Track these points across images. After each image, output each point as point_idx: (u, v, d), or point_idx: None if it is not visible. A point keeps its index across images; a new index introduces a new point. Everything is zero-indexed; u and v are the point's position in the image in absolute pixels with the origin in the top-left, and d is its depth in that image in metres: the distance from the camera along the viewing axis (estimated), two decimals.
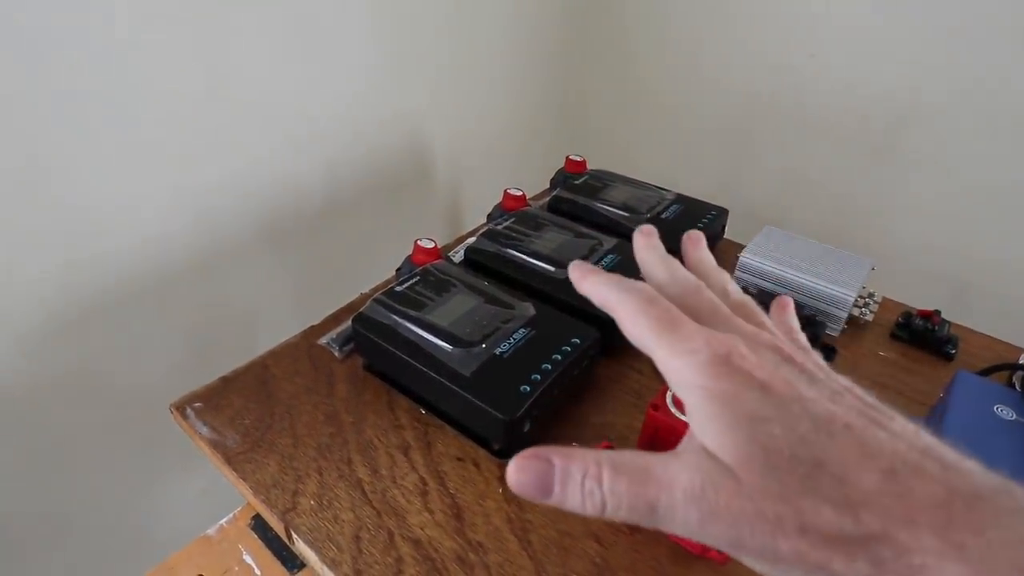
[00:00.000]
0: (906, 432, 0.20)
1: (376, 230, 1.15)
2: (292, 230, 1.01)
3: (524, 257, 0.74)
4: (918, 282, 1.16)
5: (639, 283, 0.25)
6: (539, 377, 0.58)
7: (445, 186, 1.27)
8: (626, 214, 0.84)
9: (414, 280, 0.69)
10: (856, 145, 1.17)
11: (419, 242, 0.77)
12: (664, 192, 0.90)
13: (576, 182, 0.91)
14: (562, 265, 0.72)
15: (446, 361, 0.59)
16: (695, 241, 0.30)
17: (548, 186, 1.01)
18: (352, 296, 0.82)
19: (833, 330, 0.75)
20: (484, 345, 0.60)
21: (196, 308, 0.93)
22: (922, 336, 0.74)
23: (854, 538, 0.18)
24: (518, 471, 0.22)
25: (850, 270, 0.76)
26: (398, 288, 0.68)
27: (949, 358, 0.73)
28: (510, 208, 0.88)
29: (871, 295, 0.79)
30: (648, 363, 0.64)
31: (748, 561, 0.20)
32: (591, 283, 0.26)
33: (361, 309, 0.66)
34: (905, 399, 0.67)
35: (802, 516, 0.18)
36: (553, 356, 0.60)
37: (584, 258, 0.74)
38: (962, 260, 1.13)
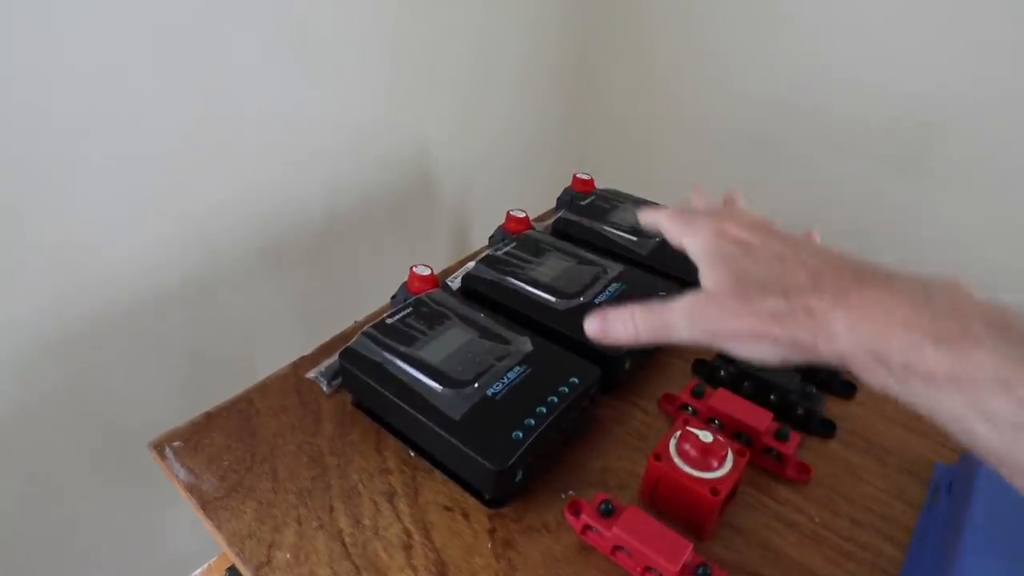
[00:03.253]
0: (836, 255, 0.30)
1: (380, 252, 1.12)
2: (294, 252, 0.98)
3: (523, 286, 0.70)
4: None
5: (676, 206, 0.39)
6: (534, 422, 0.54)
7: (450, 206, 1.24)
8: (634, 237, 0.80)
9: (406, 312, 0.66)
10: (880, 158, 1.12)
11: (415, 269, 0.74)
12: None
13: (582, 203, 0.87)
14: (563, 295, 0.69)
15: (435, 403, 0.55)
16: (708, 197, 0.46)
17: (555, 205, 0.97)
18: (351, 320, 0.79)
19: (822, 398, 0.69)
20: (476, 384, 0.57)
21: (194, 333, 0.91)
22: None
23: (785, 311, 0.27)
24: (590, 326, 0.34)
25: None
26: (389, 320, 0.65)
27: None
28: (512, 231, 0.84)
29: None
30: (652, 401, 0.57)
31: (724, 345, 0.30)
32: (647, 218, 0.40)
33: (349, 343, 0.63)
34: (930, 442, 0.62)
35: (754, 305, 0.28)
36: (550, 398, 0.56)
37: (587, 287, 0.70)
38: (996, 277, 1.07)
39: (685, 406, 0.62)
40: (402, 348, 0.61)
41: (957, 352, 0.22)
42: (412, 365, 0.59)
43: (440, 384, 0.57)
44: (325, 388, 0.66)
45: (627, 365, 0.65)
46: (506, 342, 0.62)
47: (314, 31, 0.87)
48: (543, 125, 1.41)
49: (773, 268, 0.29)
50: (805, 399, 0.63)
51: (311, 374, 0.67)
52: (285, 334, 1.02)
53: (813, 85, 1.14)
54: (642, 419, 0.64)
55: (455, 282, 0.79)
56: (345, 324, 0.79)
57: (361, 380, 0.60)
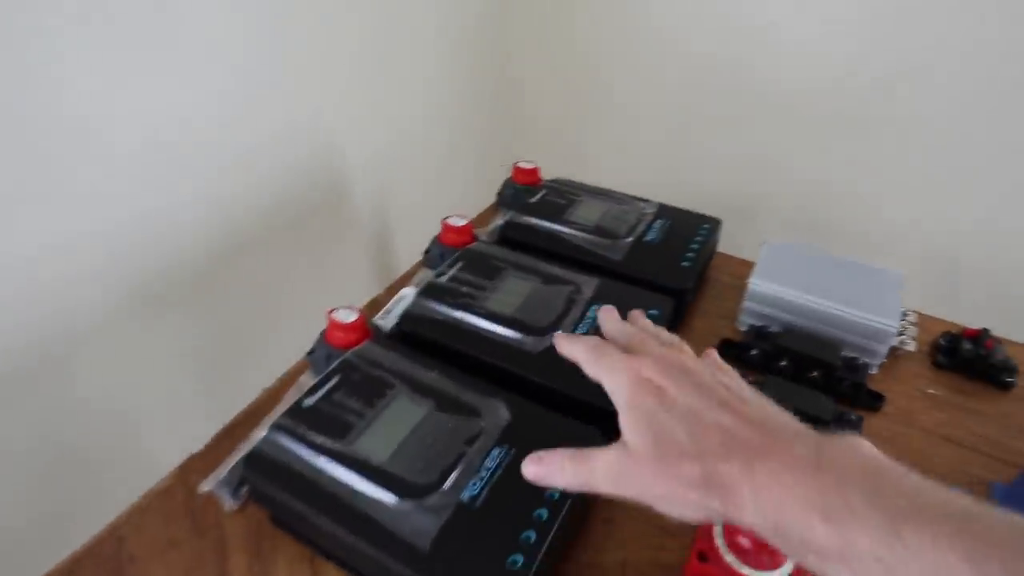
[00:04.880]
0: (743, 411, 0.31)
1: (288, 282, 0.92)
2: (174, 292, 0.76)
3: (480, 323, 0.55)
4: (915, 268, 1.04)
5: (591, 337, 0.38)
6: (535, 536, 0.39)
7: (370, 218, 1.04)
8: (602, 239, 0.66)
9: (331, 384, 0.48)
10: (829, 118, 1.03)
11: (334, 315, 0.56)
12: (643, 204, 0.72)
13: (531, 200, 0.72)
14: (533, 330, 0.53)
15: (391, 525, 0.39)
16: (615, 314, 0.41)
17: (496, 200, 0.81)
18: (256, 386, 0.60)
19: (870, 366, 0.60)
20: (445, 487, 0.41)
21: (47, 423, 0.68)
22: (971, 363, 0.60)
23: (700, 478, 0.28)
24: (528, 469, 0.35)
25: (882, 289, 0.61)
26: (308, 400, 0.47)
27: (1007, 387, 0.59)
28: (452, 244, 0.67)
29: (905, 315, 0.64)
30: None
31: (651, 505, 0.30)
32: (564, 349, 0.38)
33: (256, 444, 0.45)
34: (981, 457, 0.53)
35: (672, 469, 0.29)
36: (548, 492, 0.41)
37: (562, 315, 0.55)
38: (956, 235, 1.02)
39: None
40: (332, 442, 0.44)
41: (841, 530, 0.24)
42: (350, 467, 0.42)
43: (394, 493, 0.41)
44: (229, 502, 0.48)
45: None
46: (474, 413, 0.46)
47: (180, 14, 0.65)
48: (467, 110, 1.23)
49: (690, 427, 0.30)
50: (841, 426, 0.52)
51: (206, 485, 0.49)
52: (170, 411, 0.81)
53: (750, 49, 1.03)
54: None
55: (388, 320, 0.62)
56: (249, 388, 0.61)
57: (278, 499, 0.43)
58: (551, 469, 0.34)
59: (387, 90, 1.00)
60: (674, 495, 0.29)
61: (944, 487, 0.25)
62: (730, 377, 0.35)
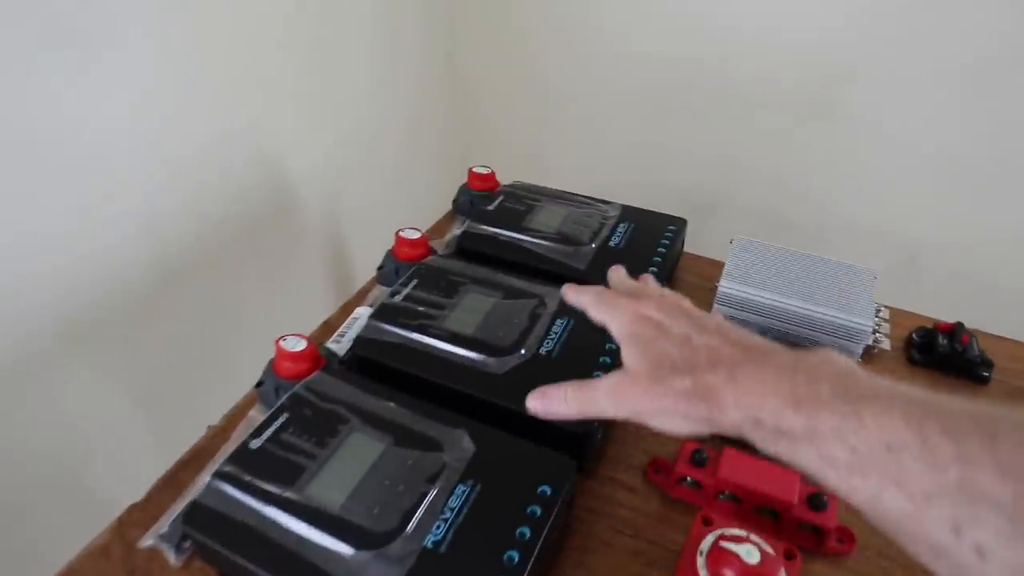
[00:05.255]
0: (732, 336, 0.34)
1: (233, 305, 0.86)
2: (108, 324, 0.71)
3: (439, 345, 0.51)
4: (878, 260, 1.05)
5: (597, 287, 0.41)
6: None
7: (318, 231, 0.99)
8: (565, 247, 0.63)
9: (278, 423, 0.45)
10: (790, 112, 1.03)
11: (282, 343, 0.52)
12: (605, 207, 0.69)
13: (488, 207, 0.68)
14: (497, 350, 0.50)
15: None
16: (623, 271, 0.46)
17: (451, 210, 0.77)
18: (206, 417, 0.56)
19: None
20: (407, 533, 0.38)
21: None
22: (948, 359, 0.59)
23: (691, 388, 0.31)
24: (532, 403, 0.37)
25: (855, 287, 0.59)
26: (253, 443, 0.43)
27: (984, 382, 0.58)
28: (406, 259, 0.64)
29: (877, 311, 0.63)
30: (636, 472, 0.49)
31: (644, 420, 0.33)
32: (572, 298, 0.42)
33: (195, 496, 0.41)
34: None
35: (667, 385, 0.32)
36: (519, 529, 0.38)
37: (526, 331, 0.52)
38: (919, 230, 1.02)
39: (684, 478, 0.47)
40: (280, 489, 0.40)
41: (809, 414, 0.27)
42: (301, 516, 0.39)
43: (351, 543, 0.37)
44: (173, 559, 0.44)
45: (599, 436, 0.48)
46: (435, 446, 0.43)
47: (87, 8, 0.60)
48: (417, 113, 1.18)
49: (682, 349, 0.34)
50: None
51: (147, 540, 0.45)
52: (115, 449, 0.75)
53: (704, 45, 1.02)
54: (629, 502, 0.48)
55: (342, 344, 0.58)
56: (199, 419, 0.56)
57: (223, 555, 0.39)
58: (554, 402, 0.36)
59: (328, 93, 0.95)
60: (667, 407, 0.32)
61: (912, 387, 0.27)
62: (724, 319, 0.37)
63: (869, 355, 0.60)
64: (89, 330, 0.69)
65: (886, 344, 0.60)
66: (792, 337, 0.58)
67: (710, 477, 0.46)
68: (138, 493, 0.51)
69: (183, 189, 0.75)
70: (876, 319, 0.62)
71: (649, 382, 0.33)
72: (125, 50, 0.65)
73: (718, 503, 0.46)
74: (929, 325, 0.61)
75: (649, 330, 0.35)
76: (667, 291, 0.41)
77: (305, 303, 0.98)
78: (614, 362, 0.51)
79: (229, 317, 0.86)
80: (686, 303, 0.38)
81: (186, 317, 0.80)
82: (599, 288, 0.40)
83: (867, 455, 0.24)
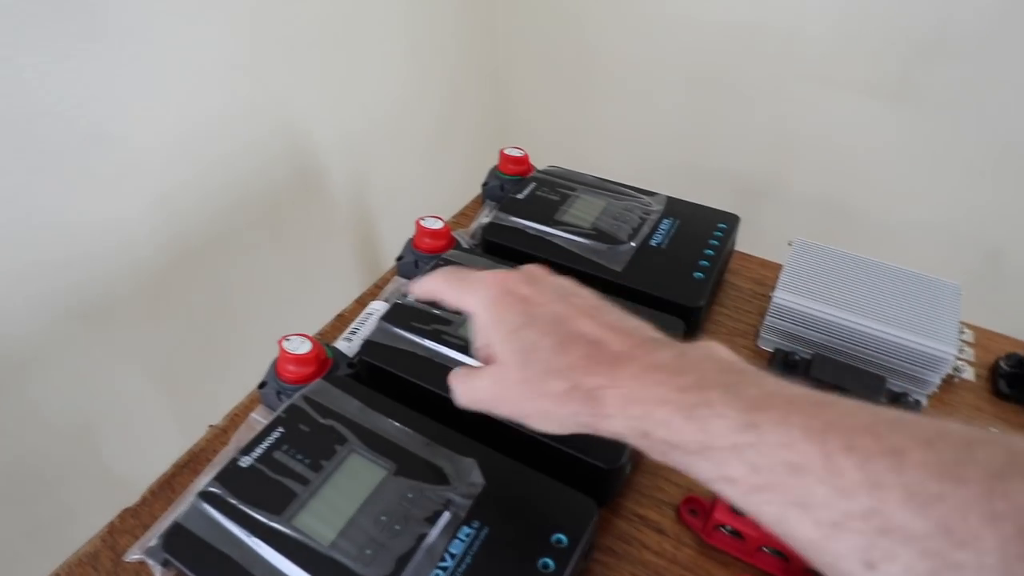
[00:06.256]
0: (606, 320, 0.30)
1: (253, 288, 0.83)
2: (127, 303, 0.68)
3: (453, 356, 0.46)
4: (954, 263, 0.94)
5: (442, 268, 0.39)
6: None
7: (345, 203, 0.95)
8: (600, 244, 0.57)
9: (272, 439, 0.41)
10: (861, 90, 0.92)
11: (285, 344, 0.48)
12: (648, 200, 0.62)
13: (519, 196, 0.62)
14: None
15: None
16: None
17: (480, 194, 0.72)
18: (221, 398, 0.53)
19: (919, 394, 0.51)
20: None
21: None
22: None
23: (567, 392, 0.28)
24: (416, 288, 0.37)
25: (937, 305, 0.51)
26: (243, 460, 0.40)
27: None
28: (426, 251, 0.59)
29: (960, 332, 0.55)
30: (667, 510, 0.43)
31: (525, 423, 0.31)
32: (419, 290, 0.37)
33: (177, 517, 0.38)
34: None
35: (540, 387, 0.29)
36: None
37: None
38: (1003, 230, 0.91)
39: (721, 526, 0.41)
40: (267, 517, 0.36)
41: (701, 425, 0.24)
42: (286, 552, 0.35)
43: None
44: (160, 574, 0.41)
45: (627, 469, 0.43)
46: (440, 478, 0.38)
47: None
48: (452, 88, 1.11)
49: (553, 338, 0.30)
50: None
51: (134, 554, 0.42)
52: (132, 424, 0.74)
53: (767, 12, 0.91)
54: (657, 545, 0.42)
55: (352, 344, 0.53)
56: (214, 399, 0.54)
57: None
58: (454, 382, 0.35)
59: (357, 66, 0.89)
60: (545, 411, 0.30)
61: (799, 384, 0.25)
62: (591, 293, 0.34)
63: (948, 385, 0.52)
64: (104, 309, 0.67)
65: (969, 374, 0.52)
66: (856, 361, 0.51)
67: (755, 528, 0.40)
68: (152, 471, 0.48)
69: (201, 166, 0.71)
70: (958, 341, 0.54)
71: (522, 384, 0.30)
72: (147, 19, 0.61)
73: (762, 557, 0.40)
74: (1021, 351, 0.53)
75: (516, 314, 0.31)
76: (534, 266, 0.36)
77: (327, 286, 0.94)
78: None
79: (247, 299, 0.83)
80: (551, 275, 0.34)
81: (203, 298, 0.77)
82: (450, 268, 0.36)
83: (768, 473, 0.22)
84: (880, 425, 0.21)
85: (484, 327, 0.32)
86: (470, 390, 0.33)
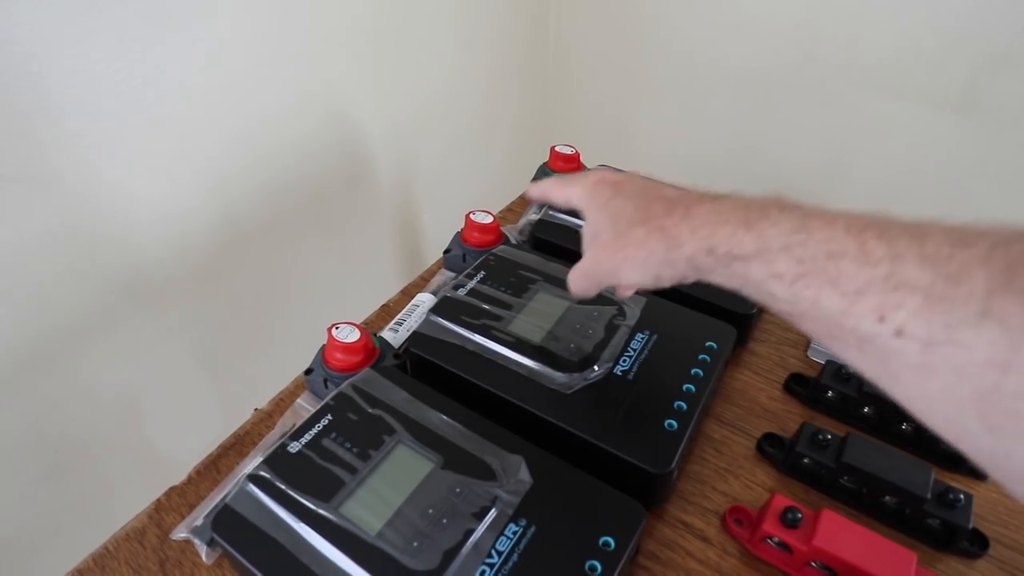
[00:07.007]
0: (686, 189, 0.35)
1: (299, 274, 0.84)
2: (177, 283, 0.70)
3: (502, 352, 0.46)
4: None
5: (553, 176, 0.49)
6: None
7: (390, 197, 0.95)
8: None
9: (320, 426, 0.41)
10: (923, 102, 0.89)
11: (334, 332, 0.48)
12: None
13: None
14: (566, 364, 0.45)
15: None
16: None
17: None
18: (260, 387, 0.53)
19: None
20: (448, 575, 0.33)
21: (50, 410, 0.63)
22: None
23: (649, 232, 0.33)
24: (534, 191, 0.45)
25: None
26: (292, 446, 0.40)
27: None
28: (475, 245, 0.58)
29: None
30: (711, 517, 0.43)
31: (616, 279, 0.35)
32: (535, 192, 0.44)
33: (225, 498, 0.38)
34: None
35: (628, 237, 0.34)
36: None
37: (602, 345, 0.46)
38: None
39: (768, 538, 0.40)
40: (314, 504, 0.36)
41: (758, 232, 0.28)
42: (333, 539, 0.35)
43: None
44: (204, 556, 0.41)
45: (676, 475, 0.42)
46: (487, 474, 0.38)
47: None
48: (505, 79, 1.11)
49: (637, 202, 0.35)
50: (942, 506, 0.42)
51: (181, 532, 0.42)
52: (177, 404, 0.75)
53: (840, 15, 0.89)
54: (702, 554, 0.41)
55: (398, 335, 0.54)
56: (258, 383, 0.54)
57: (246, 568, 0.36)
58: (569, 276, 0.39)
59: (409, 56, 0.89)
60: (631, 258, 0.33)
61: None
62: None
63: None
64: (155, 287, 0.68)
65: None
66: None
67: (803, 543, 0.38)
68: (191, 450, 0.49)
69: (253, 152, 0.72)
70: None
71: (613, 240, 0.35)
72: (209, 5, 0.62)
73: (810, 572, 0.39)
74: None
75: (608, 192, 0.37)
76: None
77: (369, 275, 0.95)
78: (699, 389, 0.44)
79: (291, 286, 0.84)
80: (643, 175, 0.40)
81: (249, 283, 0.78)
82: (554, 176, 0.43)
83: (811, 263, 0.26)
84: (917, 224, 0.24)
85: (586, 210, 0.38)
86: (576, 269, 0.37)
